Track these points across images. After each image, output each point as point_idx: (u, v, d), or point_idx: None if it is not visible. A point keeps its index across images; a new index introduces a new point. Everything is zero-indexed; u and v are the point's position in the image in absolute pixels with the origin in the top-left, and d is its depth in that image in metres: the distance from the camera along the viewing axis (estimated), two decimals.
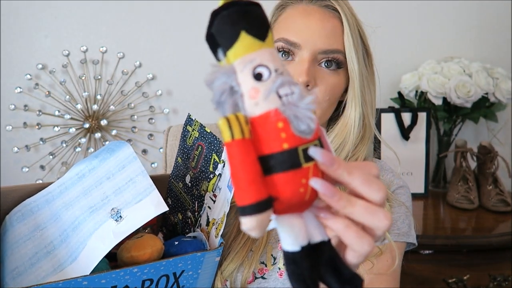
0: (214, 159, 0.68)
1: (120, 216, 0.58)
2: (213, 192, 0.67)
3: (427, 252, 1.22)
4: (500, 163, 1.44)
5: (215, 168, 0.68)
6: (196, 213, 0.70)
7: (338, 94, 0.75)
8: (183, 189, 0.74)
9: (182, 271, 0.59)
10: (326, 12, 0.72)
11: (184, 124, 0.76)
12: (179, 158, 0.77)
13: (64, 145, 1.49)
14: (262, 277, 0.72)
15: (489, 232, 1.24)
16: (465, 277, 1.22)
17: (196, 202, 0.70)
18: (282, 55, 0.74)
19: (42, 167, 1.50)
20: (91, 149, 1.50)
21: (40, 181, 1.48)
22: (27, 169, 1.48)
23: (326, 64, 0.72)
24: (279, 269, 0.73)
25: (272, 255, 0.74)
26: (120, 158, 0.65)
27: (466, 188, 1.42)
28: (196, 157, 0.72)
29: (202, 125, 0.72)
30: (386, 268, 0.71)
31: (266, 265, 0.73)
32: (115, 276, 0.53)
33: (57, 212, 0.63)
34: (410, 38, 1.58)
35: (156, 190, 0.60)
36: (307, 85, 0.71)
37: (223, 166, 0.67)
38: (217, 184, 0.67)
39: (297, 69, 0.71)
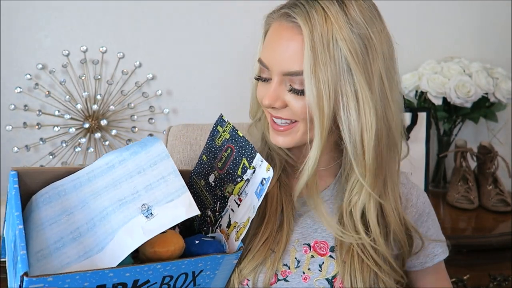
0: (244, 163, 0.69)
1: (151, 213, 0.58)
2: (239, 196, 0.68)
3: None
4: (500, 163, 1.44)
5: (243, 172, 0.68)
6: (217, 214, 0.71)
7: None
8: (204, 187, 0.74)
9: (201, 271, 0.61)
10: (294, 30, 0.67)
11: (215, 124, 0.76)
12: (204, 156, 0.77)
13: (64, 145, 1.49)
14: (285, 280, 0.72)
15: (489, 232, 1.24)
16: (465, 277, 1.22)
17: (218, 202, 0.71)
18: (260, 78, 0.73)
19: (42, 167, 1.50)
20: (91, 149, 1.50)
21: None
22: None
23: (291, 88, 0.69)
24: (303, 273, 0.73)
25: (296, 258, 0.74)
26: (152, 154, 0.65)
27: (466, 188, 1.42)
28: (224, 158, 0.72)
29: (234, 127, 0.72)
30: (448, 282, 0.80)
31: (289, 268, 0.73)
32: (139, 271, 0.55)
33: (85, 199, 0.63)
34: (410, 38, 1.58)
35: (188, 192, 0.61)
36: (273, 107, 0.70)
37: (253, 172, 0.67)
38: (244, 189, 0.67)
39: (265, 91, 0.71)
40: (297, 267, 0.73)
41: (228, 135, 0.73)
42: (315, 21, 0.65)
